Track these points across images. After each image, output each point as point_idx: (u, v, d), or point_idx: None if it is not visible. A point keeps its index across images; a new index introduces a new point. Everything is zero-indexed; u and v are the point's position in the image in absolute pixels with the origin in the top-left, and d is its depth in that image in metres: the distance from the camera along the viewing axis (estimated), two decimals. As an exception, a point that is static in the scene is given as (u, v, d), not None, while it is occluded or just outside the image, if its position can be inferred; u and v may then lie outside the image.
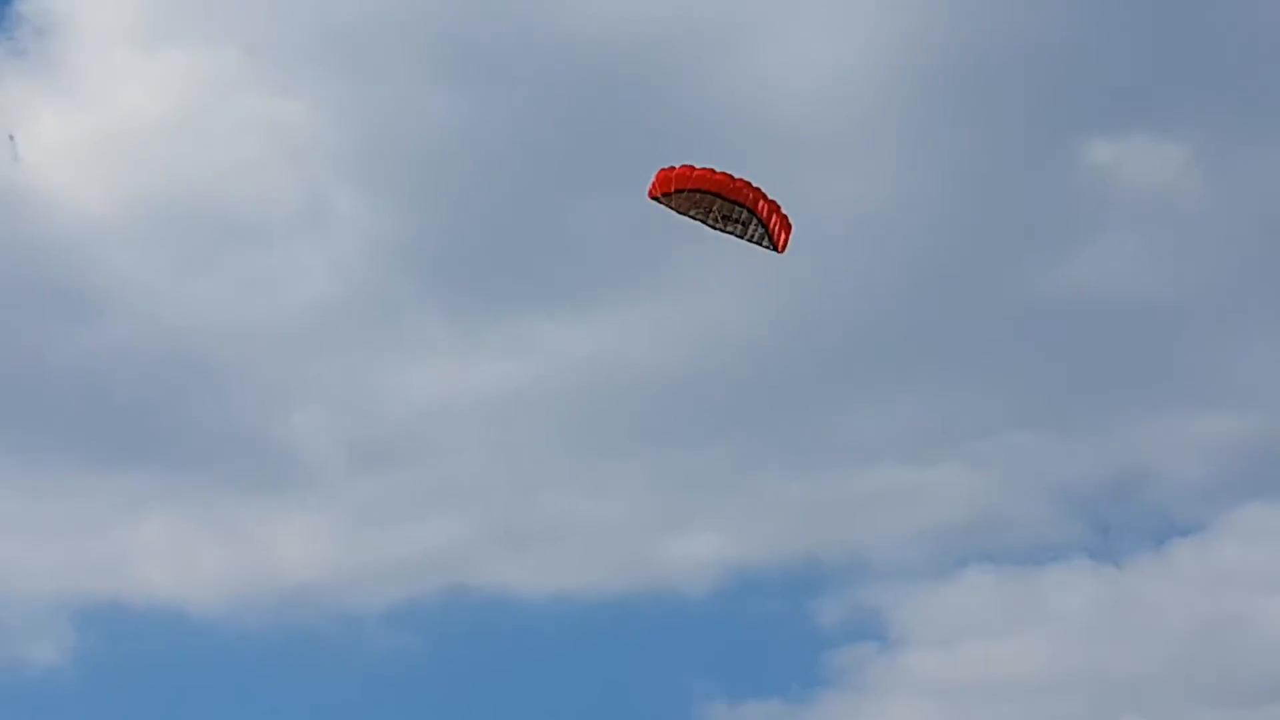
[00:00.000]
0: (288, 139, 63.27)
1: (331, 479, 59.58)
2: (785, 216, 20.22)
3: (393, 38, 61.95)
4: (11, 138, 63.08)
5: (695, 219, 20.01)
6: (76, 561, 58.18)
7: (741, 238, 20.44)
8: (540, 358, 61.06)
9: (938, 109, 61.95)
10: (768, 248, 20.51)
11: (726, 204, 19.49)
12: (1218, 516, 61.44)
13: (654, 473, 60.55)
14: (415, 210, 62.95)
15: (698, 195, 19.43)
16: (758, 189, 19.90)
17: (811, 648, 58.17)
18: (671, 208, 19.66)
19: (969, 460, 59.62)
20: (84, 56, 66.93)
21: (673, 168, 19.48)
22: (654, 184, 19.37)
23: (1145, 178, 63.76)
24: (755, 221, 20.07)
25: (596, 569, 57.66)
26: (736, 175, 19.73)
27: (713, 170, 19.55)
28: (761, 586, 59.02)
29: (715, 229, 20.33)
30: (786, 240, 20.40)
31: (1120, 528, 61.91)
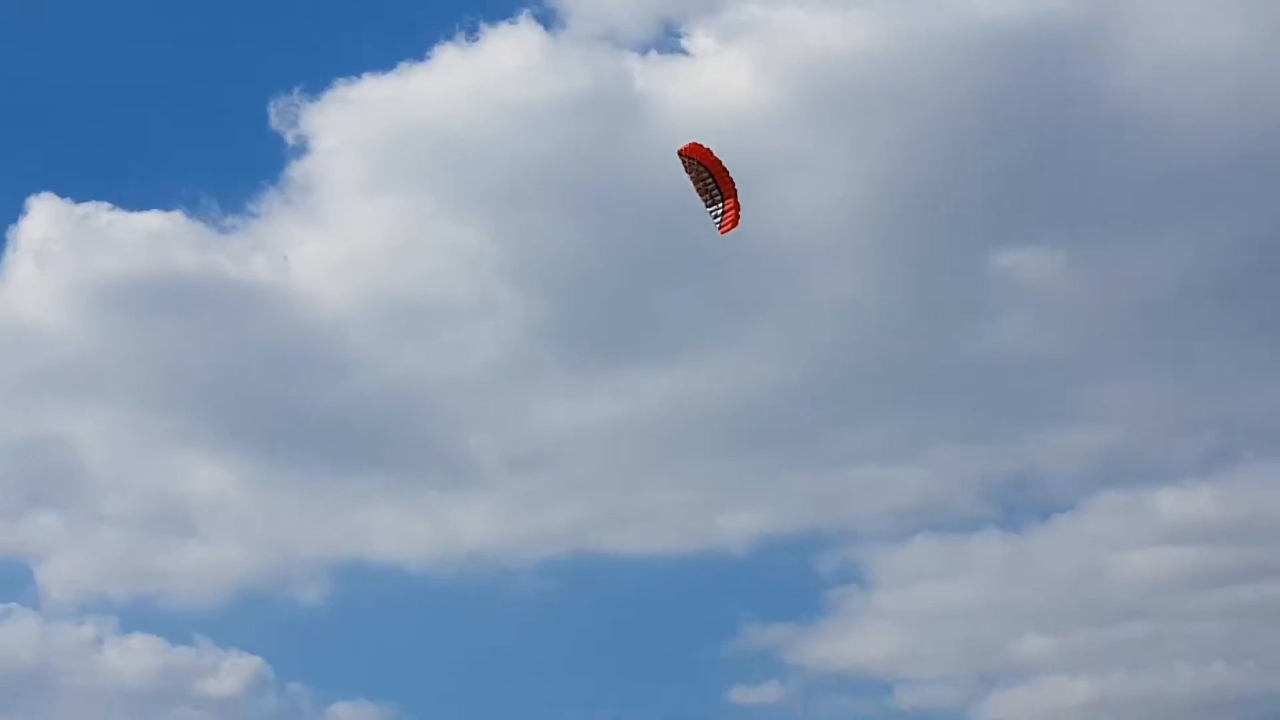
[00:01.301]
0: (466, 254, 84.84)
1: (497, 479, 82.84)
2: (738, 214, 22.51)
3: (535, 186, 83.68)
4: (285, 257, 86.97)
5: (694, 185, 22.56)
6: (333, 534, 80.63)
7: (708, 210, 22.75)
8: (634, 398, 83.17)
9: (896, 229, 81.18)
10: (716, 225, 22.69)
11: (714, 185, 22.15)
12: (1084, 499, 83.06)
13: (710, 474, 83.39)
14: (550, 300, 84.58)
15: (703, 170, 22.05)
16: (735, 188, 22.12)
17: (814, 588, 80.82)
18: (685, 169, 22.33)
19: (920, 463, 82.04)
20: (331, 202, 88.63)
21: (701, 144, 22.47)
22: (687, 146, 22.26)
23: (1035, 274, 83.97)
24: (720, 206, 22.26)
25: (673, 537, 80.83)
26: (729, 174, 22.46)
27: (720, 160, 22.47)
28: (781, 548, 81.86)
29: (701, 199, 22.73)
30: (728, 230, 22.62)
31: (1019, 507, 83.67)
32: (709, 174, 21.59)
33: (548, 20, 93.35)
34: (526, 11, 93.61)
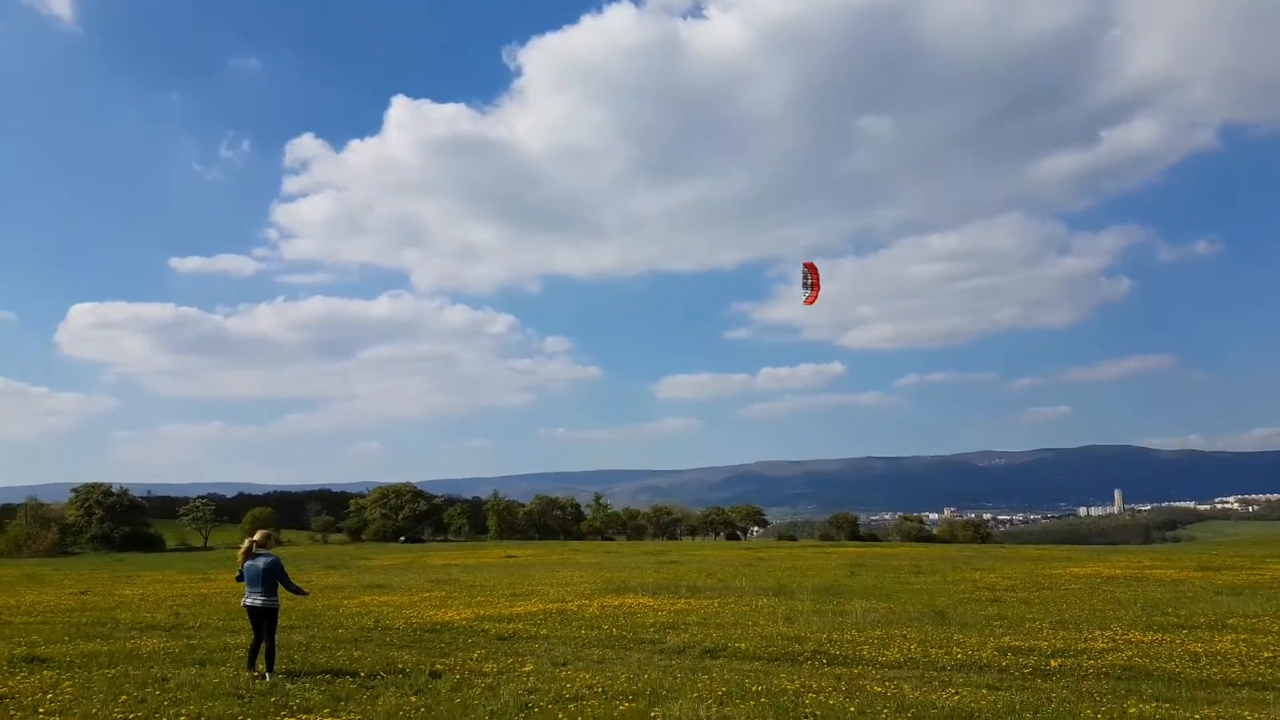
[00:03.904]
0: (598, 125, 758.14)
1: (615, 235, 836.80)
2: (816, 296, 32.67)
3: (632, 88, 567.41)
4: (512, 127, 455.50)
5: (803, 275, 32.06)
6: (539, 260, 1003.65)
7: (804, 289, 32.21)
8: (679, 197, 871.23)
9: (807, 107, 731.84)
10: (805, 298, 32.78)
11: (810, 280, 31.87)
12: (894, 240, 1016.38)
13: (716, 233, 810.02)
14: (640, 147, 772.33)
15: (808, 273, 31.73)
16: (819, 284, 32.31)
17: (763, 285, 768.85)
18: (803, 269, 32.55)
19: (813, 225, 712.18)
20: (533, 99, 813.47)
21: (813, 263, 32.31)
22: (808, 263, 32.63)
23: (877, 130, 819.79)
24: (809, 290, 32.17)
25: (699, 261, 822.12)
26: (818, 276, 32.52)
27: (817, 270, 32.07)
28: (749, 267, 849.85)
29: (804, 281, 32.29)
30: (809, 304, 32.89)
31: (863, 245, 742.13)
32: (809, 274, 31.79)
33: (638, 3, 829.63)
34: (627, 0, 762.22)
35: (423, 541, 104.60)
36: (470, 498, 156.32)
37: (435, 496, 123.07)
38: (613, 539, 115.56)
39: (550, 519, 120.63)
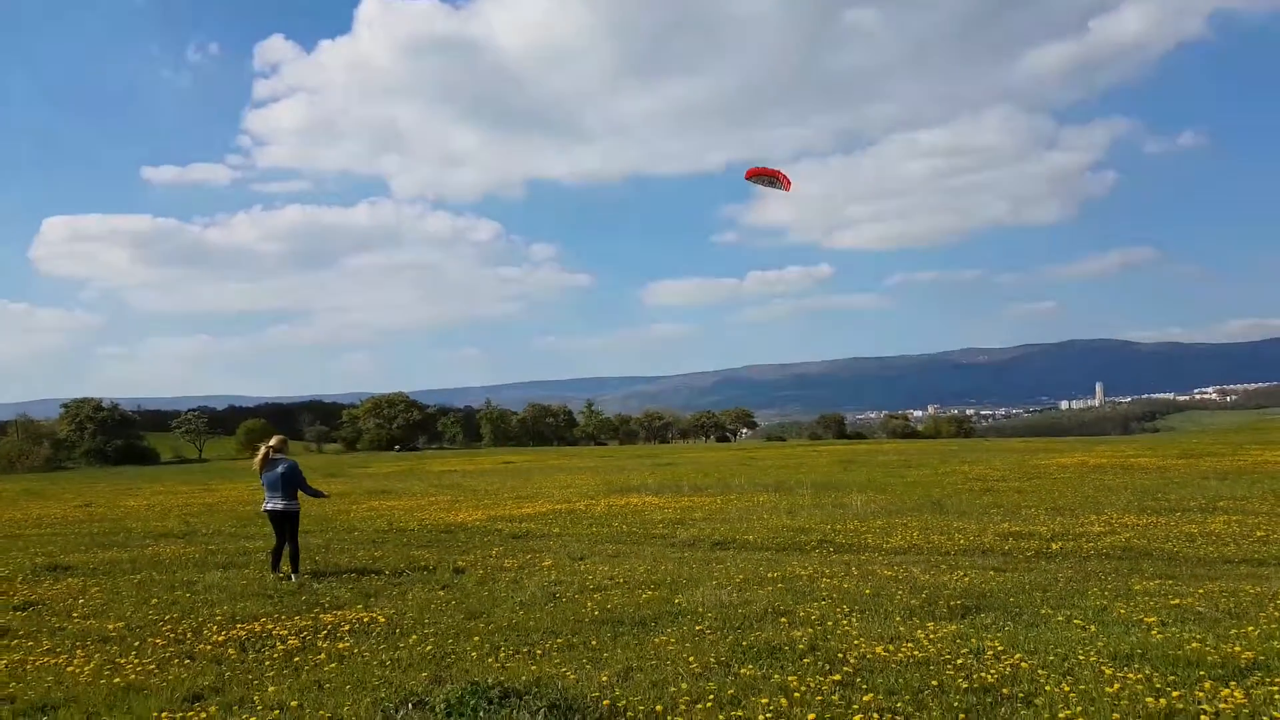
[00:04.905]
0: (583, 24, 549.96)
1: (599, 138, 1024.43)
2: (787, 179, 30.15)
3: None
4: (491, 25, 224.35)
5: (762, 181, 29.67)
6: (524, 164, 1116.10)
7: (772, 185, 29.96)
8: (665, 96, 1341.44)
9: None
10: (781, 187, 30.49)
11: (768, 180, 29.75)
12: (884, 138, 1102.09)
13: (703, 136, 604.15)
14: (626, 45, 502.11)
15: (762, 178, 29.34)
16: (779, 172, 29.93)
17: (751, 189, 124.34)
18: (753, 179, 30.61)
19: (804, 125, 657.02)
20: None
21: (754, 168, 30.04)
22: (749, 172, 30.65)
23: (867, 23, 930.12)
24: (779, 182, 29.60)
25: (685, 165, 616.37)
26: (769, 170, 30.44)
27: (763, 169, 29.36)
28: (736, 169, 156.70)
29: (765, 183, 30.25)
30: (789, 187, 30.65)
31: (853, 144, 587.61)
32: (764, 177, 30.08)
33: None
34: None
35: (418, 450, 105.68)
36: (463, 407, 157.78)
37: (428, 406, 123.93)
38: (605, 444, 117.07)
39: (543, 426, 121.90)
